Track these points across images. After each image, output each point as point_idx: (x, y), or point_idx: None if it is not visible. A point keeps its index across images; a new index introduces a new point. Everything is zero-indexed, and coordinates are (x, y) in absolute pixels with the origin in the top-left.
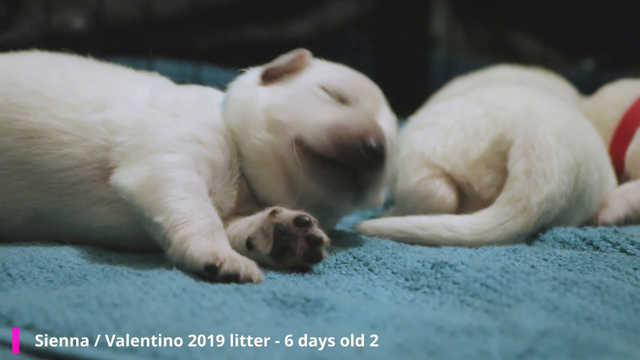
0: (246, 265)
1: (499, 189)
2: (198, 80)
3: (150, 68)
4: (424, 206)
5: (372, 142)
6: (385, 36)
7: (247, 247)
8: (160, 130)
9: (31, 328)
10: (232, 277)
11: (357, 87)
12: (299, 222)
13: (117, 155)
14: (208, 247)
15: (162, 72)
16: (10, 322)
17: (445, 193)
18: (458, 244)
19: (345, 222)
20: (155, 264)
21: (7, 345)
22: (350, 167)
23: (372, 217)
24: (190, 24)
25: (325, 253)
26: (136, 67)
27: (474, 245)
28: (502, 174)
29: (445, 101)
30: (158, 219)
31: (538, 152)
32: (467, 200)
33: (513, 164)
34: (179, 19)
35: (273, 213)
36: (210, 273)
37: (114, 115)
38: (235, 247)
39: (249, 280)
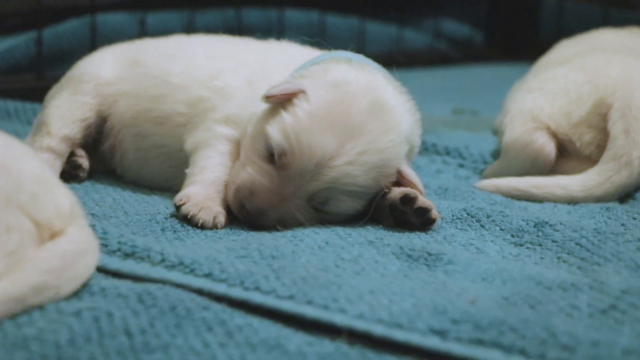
0: (207, 209)
1: (598, 146)
2: (323, 29)
3: (279, 17)
4: (525, 154)
5: (247, 208)
6: None
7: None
8: (232, 102)
9: (209, 276)
10: (186, 218)
11: (300, 143)
12: (404, 200)
13: (198, 117)
14: (191, 191)
15: (290, 20)
16: (193, 271)
17: (545, 142)
18: (571, 200)
19: (461, 176)
20: None
21: (194, 290)
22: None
23: (482, 170)
24: None
25: (436, 214)
26: (267, 17)
27: (584, 200)
28: (602, 133)
29: (552, 69)
30: (187, 170)
31: (635, 113)
32: (568, 155)
33: (613, 124)
34: None
35: (384, 194)
36: (176, 209)
37: (218, 85)
38: None
39: (198, 223)
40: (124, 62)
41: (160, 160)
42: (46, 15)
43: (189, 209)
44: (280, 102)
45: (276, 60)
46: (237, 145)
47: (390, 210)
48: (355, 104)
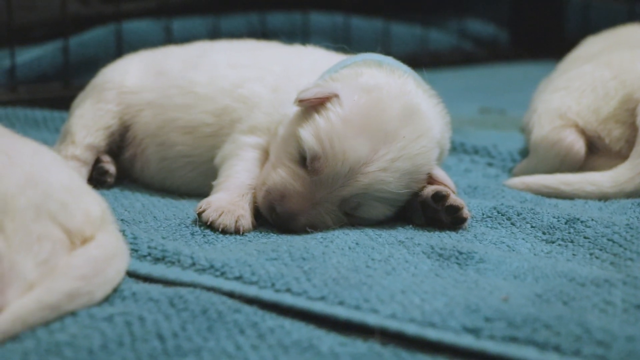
0: (228, 213)
1: (627, 141)
2: (347, 31)
3: (304, 21)
4: (554, 151)
5: (278, 211)
6: None
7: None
8: (257, 112)
9: (240, 279)
10: (208, 224)
11: (333, 148)
12: (436, 197)
13: (226, 129)
14: (213, 198)
15: (315, 23)
16: (224, 274)
17: (574, 139)
18: (601, 196)
19: (490, 175)
20: None
21: (225, 293)
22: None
23: (511, 168)
24: None
25: (467, 213)
26: (292, 20)
27: (615, 196)
28: (630, 128)
29: (578, 67)
30: (214, 182)
31: None
32: (597, 151)
33: None
34: None
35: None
36: (198, 216)
37: (242, 93)
38: None
39: (219, 228)
40: (147, 70)
41: (186, 170)
42: (72, 24)
43: (208, 215)
44: (312, 105)
45: (300, 66)
46: (263, 151)
47: (422, 207)
48: (388, 110)
